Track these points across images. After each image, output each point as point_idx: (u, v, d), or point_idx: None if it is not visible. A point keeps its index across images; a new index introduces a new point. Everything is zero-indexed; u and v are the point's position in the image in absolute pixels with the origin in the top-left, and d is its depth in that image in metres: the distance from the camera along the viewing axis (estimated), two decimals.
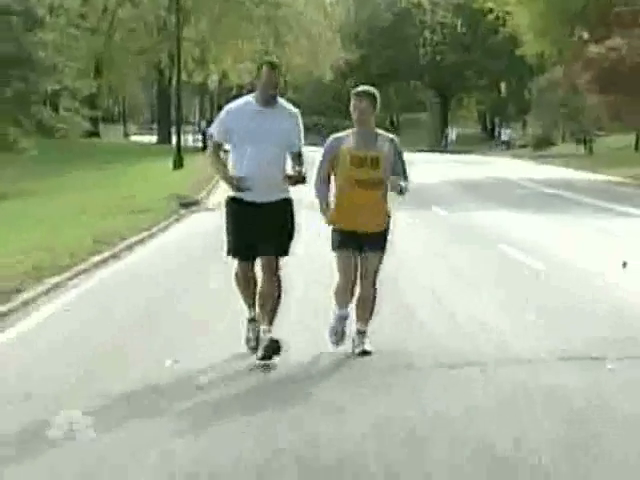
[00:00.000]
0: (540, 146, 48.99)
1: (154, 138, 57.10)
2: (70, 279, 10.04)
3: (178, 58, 37.83)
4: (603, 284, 9.45)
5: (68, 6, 37.94)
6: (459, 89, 64.11)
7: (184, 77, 48.44)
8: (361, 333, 6.78)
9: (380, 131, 6.82)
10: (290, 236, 6.71)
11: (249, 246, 6.65)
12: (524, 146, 50.97)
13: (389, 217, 6.78)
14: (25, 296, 8.71)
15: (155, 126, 77.25)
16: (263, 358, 6.30)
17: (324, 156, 6.81)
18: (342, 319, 6.81)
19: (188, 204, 19.92)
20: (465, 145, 58.18)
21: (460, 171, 33.89)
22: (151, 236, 14.48)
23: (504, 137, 55.43)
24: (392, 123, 68.89)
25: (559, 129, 48.51)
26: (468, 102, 67.62)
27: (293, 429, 4.94)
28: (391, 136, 6.91)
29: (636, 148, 35.98)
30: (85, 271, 10.66)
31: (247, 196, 6.59)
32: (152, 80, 57.15)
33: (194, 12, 49.44)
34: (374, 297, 6.80)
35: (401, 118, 70.67)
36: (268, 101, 6.62)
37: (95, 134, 48.58)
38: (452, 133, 60.66)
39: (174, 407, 5.38)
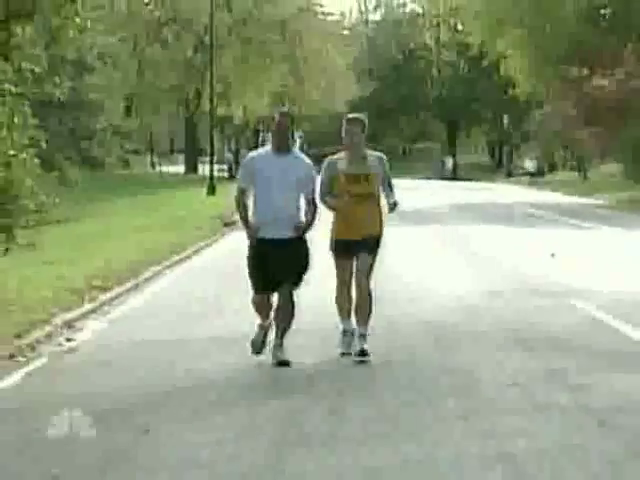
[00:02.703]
0: (540, 174, 53.56)
1: (179, 168, 61.68)
2: (162, 270, 14.63)
3: (211, 93, 41.98)
4: (515, 264, 14.02)
5: (112, 52, 42.56)
6: (466, 121, 68.89)
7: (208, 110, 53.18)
8: (362, 336, 7.64)
9: (369, 151, 7.82)
10: (304, 271, 7.65)
11: (268, 281, 7.60)
12: (526, 174, 55.36)
13: (382, 225, 7.78)
14: (145, 275, 13.40)
15: (174, 157, 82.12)
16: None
17: (322, 177, 7.79)
18: (346, 333, 7.77)
19: (229, 224, 24.47)
20: (472, 173, 62.70)
21: (463, 196, 38.33)
22: (207, 245, 19.12)
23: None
24: (404, 152, 73.60)
25: (557, 158, 53.02)
26: (476, 132, 72.24)
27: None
28: (380, 154, 7.86)
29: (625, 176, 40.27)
30: (169, 266, 15.22)
31: (267, 234, 7.57)
32: (174, 114, 61.50)
33: (218, 51, 54.07)
34: (370, 301, 7.67)
35: (412, 148, 75.37)
36: (281, 148, 7.62)
37: (126, 165, 53.21)
38: (449, 162, 65.05)
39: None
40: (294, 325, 7.76)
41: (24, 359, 8.26)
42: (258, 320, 7.81)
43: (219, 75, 55.38)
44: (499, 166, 65.51)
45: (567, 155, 54.42)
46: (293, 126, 7.80)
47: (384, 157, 7.85)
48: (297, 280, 7.64)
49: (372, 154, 7.80)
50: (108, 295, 11.76)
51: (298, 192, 7.62)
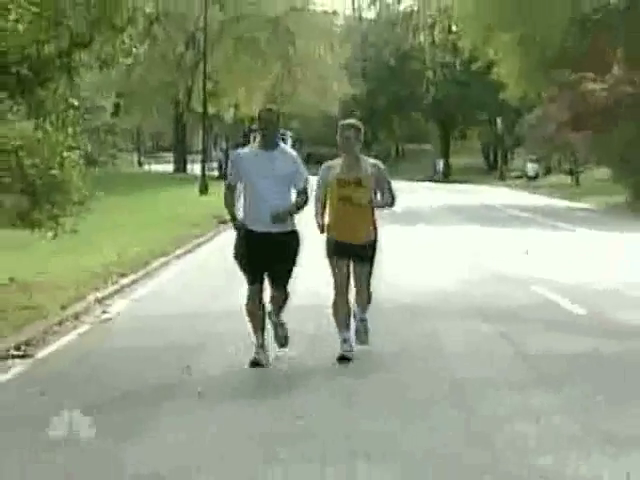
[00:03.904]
0: (534, 177, 56.07)
1: (167, 167, 63.80)
2: (170, 261, 16.97)
3: (204, 92, 44.06)
4: (491, 259, 16.39)
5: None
6: (460, 122, 71.50)
7: (199, 109, 55.46)
8: (363, 320, 8.30)
9: (364, 157, 8.26)
10: (292, 266, 8.11)
11: (257, 274, 8.07)
12: (518, 177, 57.87)
13: (376, 230, 8.24)
14: (154, 265, 15.73)
15: (160, 155, 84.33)
16: (281, 348, 8.30)
17: (319, 181, 8.30)
18: (346, 342, 8.15)
19: (224, 221, 26.80)
20: (466, 175, 65.18)
21: (452, 198, 40.75)
22: (207, 240, 21.50)
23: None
24: (397, 153, 76.13)
25: (550, 162, 55.56)
26: (470, 134, 74.83)
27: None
28: (374, 161, 8.32)
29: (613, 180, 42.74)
30: (177, 256, 17.59)
31: (257, 228, 7.97)
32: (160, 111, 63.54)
33: (210, 49, 56.23)
34: (369, 299, 8.35)
35: (406, 148, 77.89)
36: (268, 144, 8.04)
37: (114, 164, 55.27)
38: (439, 164, 67.58)
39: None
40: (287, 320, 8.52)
41: (72, 325, 10.57)
42: (253, 338, 8.16)
43: (210, 73, 57.65)
44: (493, 169, 67.98)
45: (561, 159, 56.90)
46: (279, 122, 8.16)
47: (380, 164, 8.30)
48: (285, 276, 8.13)
49: (367, 160, 8.25)
50: (126, 280, 14.05)
51: (287, 187, 8.02)
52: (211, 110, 58.27)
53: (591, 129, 39.51)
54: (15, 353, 8.91)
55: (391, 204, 8.32)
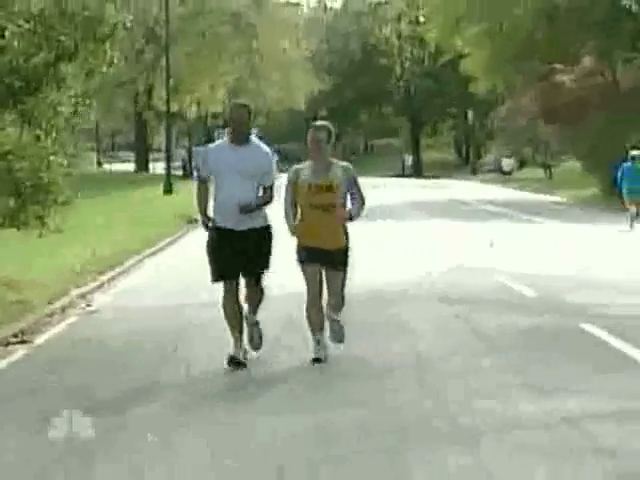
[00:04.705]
0: (507, 172, 57.95)
1: (127, 166, 64.96)
2: (144, 259, 18.45)
3: (167, 88, 45.33)
4: (457, 251, 17.97)
5: None
6: (430, 116, 73.39)
7: (160, 106, 56.69)
8: (334, 321, 8.53)
9: (334, 160, 8.40)
10: (265, 261, 8.38)
11: (229, 269, 8.28)
12: (490, 171, 59.77)
13: (347, 236, 8.45)
14: (129, 263, 17.19)
15: (118, 154, 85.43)
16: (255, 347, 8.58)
17: (287, 186, 8.46)
18: (319, 343, 8.42)
19: (191, 221, 28.22)
20: (437, 170, 67.02)
21: (422, 194, 42.40)
22: (177, 239, 22.99)
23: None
24: (365, 149, 77.89)
25: (523, 155, 57.51)
26: (441, 129, 76.75)
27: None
28: (345, 164, 8.49)
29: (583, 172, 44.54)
30: (149, 255, 19.06)
31: (227, 224, 8.24)
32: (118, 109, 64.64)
33: (171, 43, 57.49)
34: (342, 304, 8.60)
35: (375, 143, 79.69)
36: (240, 139, 8.29)
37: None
38: (408, 159, 69.42)
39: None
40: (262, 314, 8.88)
41: (60, 317, 11.99)
42: (231, 338, 8.43)
43: (171, 69, 58.79)
44: (466, 163, 69.87)
45: (534, 152, 58.78)
46: (251, 118, 8.43)
47: (350, 167, 8.50)
48: (261, 267, 8.42)
49: (337, 164, 8.42)
50: (105, 277, 15.48)
51: (256, 183, 8.32)
52: (173, 107, 59.64)
53: (562, 121, 41.16)
54: (14, 340, 10.32)
55: (361, 208, 8.47)
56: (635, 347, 8.82)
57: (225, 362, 8.33)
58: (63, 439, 6.33)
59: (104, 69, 11.19)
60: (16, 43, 9.79)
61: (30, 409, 7.32)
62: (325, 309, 8.53)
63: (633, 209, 22.97)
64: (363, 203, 8.49)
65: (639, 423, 6.56)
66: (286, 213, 8.48)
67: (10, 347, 10.02)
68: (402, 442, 6.14)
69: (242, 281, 8.59)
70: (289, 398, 7.45)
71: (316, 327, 8.43)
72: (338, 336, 8.65)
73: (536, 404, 6.97)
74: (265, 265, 8.46)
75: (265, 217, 8.48)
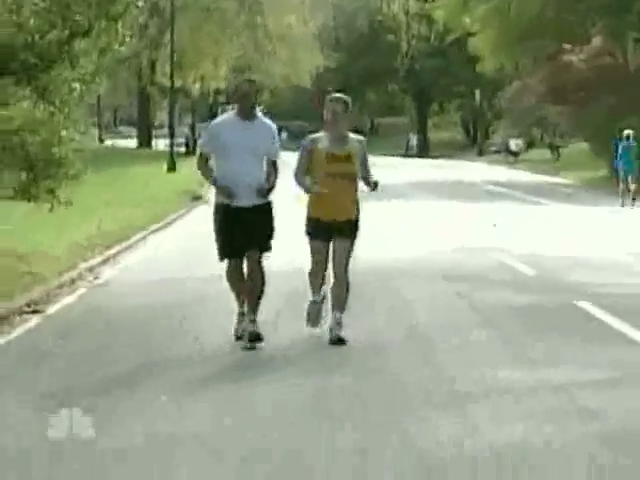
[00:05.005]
0: (514, 153, 58.30)
1: (129, 142, 65.47)
2: (148, 235, 19.04)
3: (171, 63, 45.74)
4: (460, 231, 18.53)
5: None
6: (437, 95, 73.77)
7: (164, 82, 57.15)
8: (338, 323, 8.55)
9: (350, 133, 8.62)
10: (270, 235, 8.60)
11: (237, 247, 8.50)
12: (497, 152, 60.18)
13: (359, 209, 8.66)
14: (135, 239, 17.79)
15: (119, 129, 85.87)
16: (250, 344, 8.37)
17: (301, 154, 8.60)
18: (314, 303, 8.71)
19: (196, 198, 28.80)
20: (444, 150, 67.45)
21: (428, 174, 42.93)
22: (181, 216, 23.59)
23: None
24: (372, 127, 78.24)
25: (531, 136, 57.96)
26: (449, 108, 77.11)
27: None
28: (360, 137, 8.74)
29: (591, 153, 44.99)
30: (154, 231, 19.65)
31: (233, 202, 8.43)
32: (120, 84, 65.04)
33: (175, 18, 57.80)
34: (347, 287, 8.60)
35: (381, 122, 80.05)
36: (247, 115, 8.49)
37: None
38: (413, 139, 69.74)
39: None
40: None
41: (70, 289, 12.57)
42: (236, 306, 8.75)
43: (175, 44, 59.15)
44: (473, 144, 70.25)
45: (542, 133, 59.18)
46: (258, 94, 8.70)
47: (364, 140, 8.76)
48: (264, 246, 8.60)
49: (352, 136, 8.66)
50: (111, 251, 16.07)
51: (262, 159, 8.53)
52: (177, 83, 60.02)
53: (570, 102, 41.52)
54: (27, 309, 10.91)
55: (376, 183, 8.66)
56: (625, 322, 9.40)
57: (246, 340, 8.51)
58: (74, 399, 6.86)
59: (116, 47, 11.73)
60: (32, 21, 10.36)
61: (49, 370, 7.93)
62: (328, 294, 8.74)
63: (623, 186, 24.00)
64: (368, 173, 8.68)
65: (623, 390, 7.14)
66: (298, 179, 8.62)
67: (24, 316, 10.61)
68: (400, 404, 6.74)
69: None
70: (291, 365, 8.01)
71: (316, 286, 8.71)
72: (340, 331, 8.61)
73: (526, 373, 7.55)
74: (268, 241, 8.64)
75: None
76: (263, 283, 8.63)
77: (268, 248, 8.69)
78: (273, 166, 8.61)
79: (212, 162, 8.84)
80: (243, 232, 8.48)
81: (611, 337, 8.97)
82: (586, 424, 6.25)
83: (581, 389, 7.11)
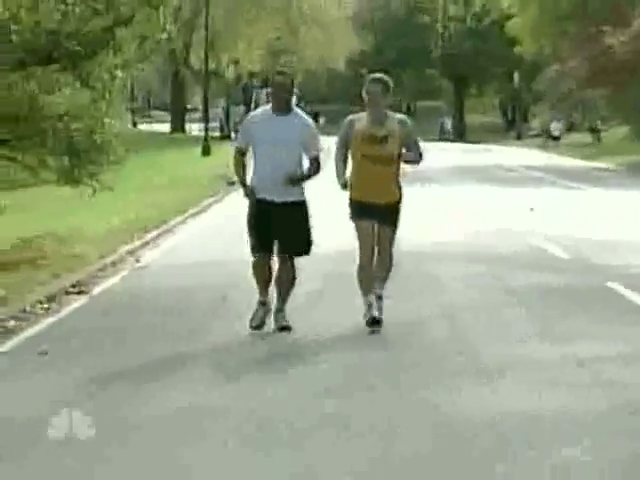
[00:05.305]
0: (554, 137, 58.43)
1: (162, 127, 66.05)
2: (187, 219, 19.69)
3: (205, 46, 46.25)
4: (497, 215, 18.97)
5: None
6: (474, 78, 73.92)
7: (197, 65, 57.79)
8: (378, 297, 8.64)
9: (390, 113, 8.53)
10: (308, 238, 8.64)
11: (264, 242, 8.59)
12: (538, 135, 60.31)
13: (400, 190, 8.67)
14: (173, 222, 18.42)
15: (152, 114, 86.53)
16: (280, 331, 8.65)
17: (340, 135, 8.66)
18: (370, 306, 8.57)
19: (232, 182, 29.42)
20: (481, 134, 67.67)
21: (465, 159, 43.32)
22: (217, 200, 24.22)
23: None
24: (408, 111, 78.49)
25: (571, 120, 58.04)
26: (487, 91, 77.21)
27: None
28: (401, 117, 8.68)
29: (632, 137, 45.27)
30: (192, 215, 20.31)
31: (267, 195, 8.49)
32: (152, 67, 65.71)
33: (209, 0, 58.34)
34: (390, 265, 8.80)
35: (418, 105, 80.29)
36: (281, 108, 8.52)
37: None
38: (448, 123, 69.86)
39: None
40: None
41: (112, 271, 13.20)
42: (258, 295, 8.82)
43: (209, 27, 59.64)
44: (511, 127, 70.38)
45: (582, 117, 59.18)
46: (293, 86, 8.70)
47: (407, 120, 8.73)
48: (299, 249, 8.70)
49: (394, 116, 8.59)
50: (150, 235, 16.71)
51: (299, 153, 8.54)
52: (210, 66, 60.56)
53: (611, 85, 41.76)
54: (72, 290, 11.53)
55: (418, 161, 8.73)
56: None
57: (249, 326, 8.83)
58: (124, 374, 7.54)
59: (157, 35, 12.31)
60: (77, 10, 10.97)
61: (97, 347, 8.57)
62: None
63: None
64: (421, 156, 8.71)
65: None
66: (337, 168, 8.65)
67: (71, 296, 11.23)
68: (430, 374, 7.32)
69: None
70: (330, 343, 8.58)
71: (366, 288, 8.62)
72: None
73: (553, 349, 8.10)
74: (306, 248, 8.72)
75: (302, 192, 8.71)
76: (293, 282, 8.82)
77: (306, 252, 8.78)
78: (315, 161, 8.60)
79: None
80: (272, 228, 8.59)
81: (638, 315, 9.47)
82: (609, 393, 6.75)
83: (605, 363, 7.64)
